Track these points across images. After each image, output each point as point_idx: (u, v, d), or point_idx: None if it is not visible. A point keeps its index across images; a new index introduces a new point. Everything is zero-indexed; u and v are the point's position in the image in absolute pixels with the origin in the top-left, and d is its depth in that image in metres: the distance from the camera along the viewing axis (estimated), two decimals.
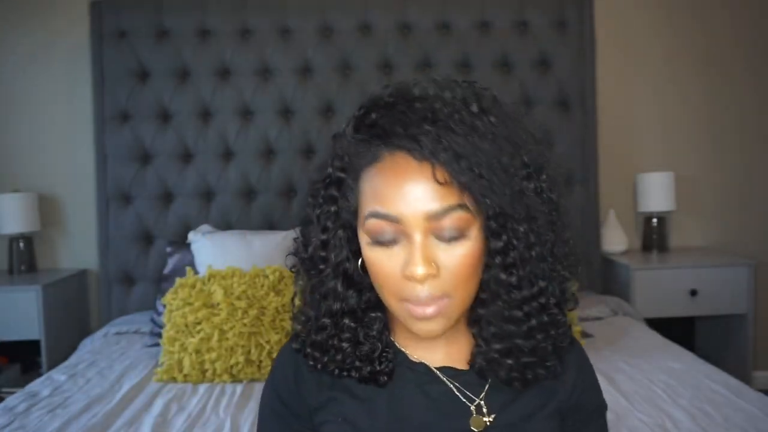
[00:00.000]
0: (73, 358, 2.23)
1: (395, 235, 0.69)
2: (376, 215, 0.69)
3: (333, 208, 0.76)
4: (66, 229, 2.92)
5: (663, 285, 2.67)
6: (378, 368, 0.77)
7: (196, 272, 2.27)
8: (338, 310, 0.77)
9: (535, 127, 0.76)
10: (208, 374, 1.93)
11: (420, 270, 0.67)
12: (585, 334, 2.19)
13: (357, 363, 0.78)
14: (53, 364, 2.41)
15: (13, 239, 2.76)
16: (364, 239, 0.72)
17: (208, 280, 2.08)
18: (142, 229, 2.67)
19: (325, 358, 0.78)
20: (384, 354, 0.78)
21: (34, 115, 2.87)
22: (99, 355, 2.20)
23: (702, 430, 1.52)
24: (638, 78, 3.02)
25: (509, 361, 0.75)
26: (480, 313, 0.76)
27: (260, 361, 1.95)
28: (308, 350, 0.79)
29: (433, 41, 2.72)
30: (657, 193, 2.87)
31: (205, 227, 2.54)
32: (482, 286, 0.74)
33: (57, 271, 2.85)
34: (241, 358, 1.93)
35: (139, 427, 1.63)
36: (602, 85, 2.88)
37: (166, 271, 2.45)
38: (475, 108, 0.70)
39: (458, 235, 0.68)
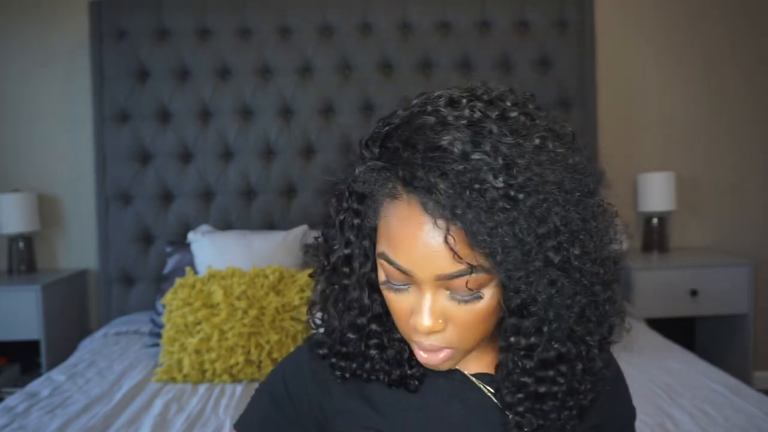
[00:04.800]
0: (72, 359, 2.23)
1: (406, 282, 0.66)
2: (388, 261, 0.66)
3: (356, 221, 0.71)
4: (66, 229, 2.92)
5: (663, 285, 2.67)
6: (408, 372, 0.75)
7: (195, 272, 2.27)
8: (364, 322, 0.74)
9: (586, 164, 0.66)
10: (208, 374, 1.93)
11: (425, 324, 0.65)
12: None
13: (386, 366, 0.75)
14: (53, 364, 2.42)
15: (13, 239, 2.76)
16: (379, 270, 0.69)
17: (208, 280, 2.08)
18: (141, 229, 2.67)
19: (354, 365, 0.76)
20: (415, 358, 0.74)
21: (34, 115, 2.87)
22: (99, 356, 2.20)
23: (702, 430, 1.52)
24: (638, 78, 3.02)
25: (525, 406, 0.71)
26: (501, 346, 0.71)
27: (260, 362, 1.95)
28: (333, 360, 0.77)
29: (433, 41, 2.72)
30: (657, 193, 2.87)
31: (204, 227, 2.54)
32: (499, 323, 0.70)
33: (57, 271, 2.84)
34: (241, 359, 1.92)
35: (138, 428, 1.63)
36: (602, 85, 2.88)
37: (166, 271, 2.45)
38: (500, 183, 0.60)
39: (470, 297, 0.64)
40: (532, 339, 0.66)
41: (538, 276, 0.62)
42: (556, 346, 0.67)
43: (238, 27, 2.69)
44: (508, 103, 0.65)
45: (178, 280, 2.11)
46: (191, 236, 2.43)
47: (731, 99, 3.05)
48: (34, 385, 1.95)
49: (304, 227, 2.49)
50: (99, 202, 2.68)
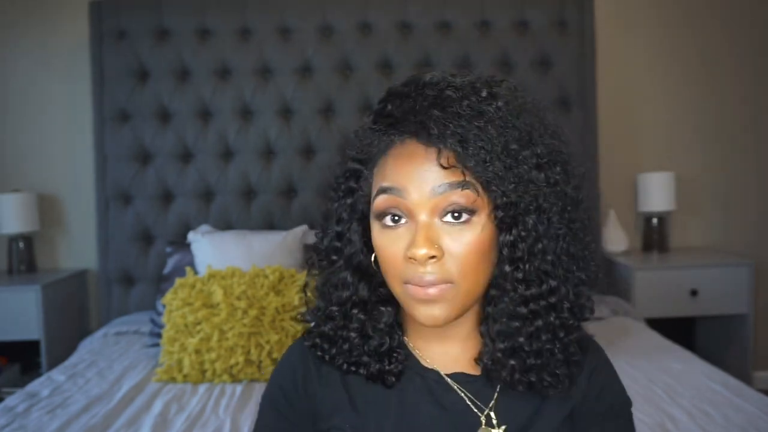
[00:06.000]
0: (72, 359, 2.23)
1: (402, 215, 0.69)
2: (383, 190, 0.70)
3: (349, 200, 0.77)
4: (66, 229, 2.92)
5: (663, 285, 2.67)
6: (387, 367, 0.76)
7: (195, 272, 2.27)
8: (347, 299, 0.77)
9: (556, 122, 0.75)
10: (208, 374, 1.93)
11: (422, 251, 0.66)
12: None
13: (365, 358, 0.77)
14: (53, 364, 2.42)
15: (13, 239, 2.76)
16: (374, 226, 0.72)
17: (208, 280, 2.08)
18: (142, 229, 2.67)
19: (333, 350, 0.78)
20: (395, 354, 0.77)
21: (34, 114, 2.87)
22: (99, 356, 2.19)
23: (702, 430, 1.52)
24: (638, 78, 3.02)
25: (512, 362, 0.73)
26: (489, 311, 0.74)
27: (260, 362, 1.95)
28: (317, 341, 0.79)
29: (433, 41, 2.72)
30: (657, 193, 2.87)
31: (204, 227, 2.54)
32: (493, 283, 0.73)
33: (57, 271, 2.84)
34: (241, 359, 1.92)
35: (138, 428, 1.63)
36: (602, 85, 2.87)
37: (166, 271, 2.45)
38: (484, 93, 0.69)
39: (464, 219, 0.68)
40: (520, 273, 0.70)
41: (524, 189, 0.68)
42: (546, 268, 0.71)
43: (238, 27, 2.69)
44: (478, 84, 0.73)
45: (178, 280, 2.11)
46: (191, 236, 2.43)
47: (731, 99, 3.05)
48: (34, 385, 1.94)
49: (304, 227, 2.49)
50: (99, 202, 2.68)
